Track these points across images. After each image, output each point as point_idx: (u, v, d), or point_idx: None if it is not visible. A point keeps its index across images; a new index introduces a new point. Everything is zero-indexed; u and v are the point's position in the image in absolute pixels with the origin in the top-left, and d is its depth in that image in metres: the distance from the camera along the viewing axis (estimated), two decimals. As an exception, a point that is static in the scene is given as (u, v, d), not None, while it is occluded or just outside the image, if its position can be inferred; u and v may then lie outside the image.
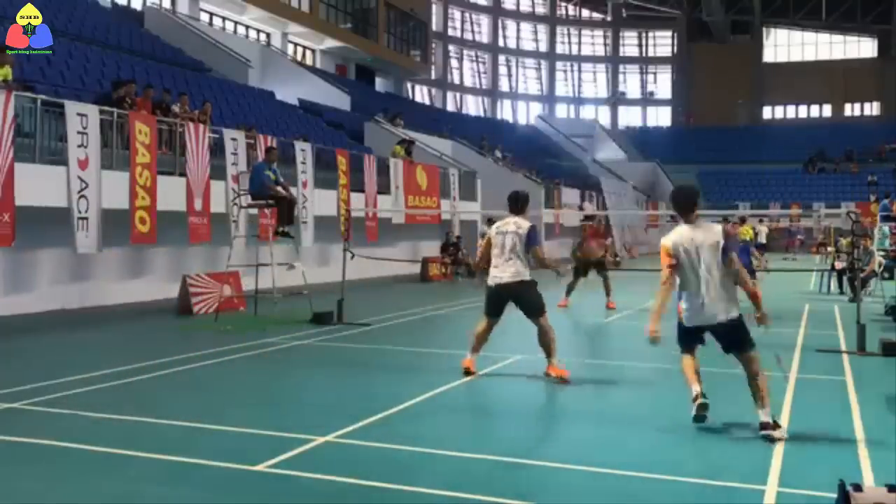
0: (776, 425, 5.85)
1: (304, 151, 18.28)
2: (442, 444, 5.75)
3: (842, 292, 18.27)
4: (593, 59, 64.10)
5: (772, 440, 5.71)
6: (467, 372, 8.04)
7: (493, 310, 8.17)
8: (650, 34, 64.49)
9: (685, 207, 6.15)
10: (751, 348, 6.02)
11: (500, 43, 60.07)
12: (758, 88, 60.16)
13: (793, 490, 4.81)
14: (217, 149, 16.09)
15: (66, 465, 5.23)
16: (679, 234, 6.09)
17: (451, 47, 56.30)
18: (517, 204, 8.47)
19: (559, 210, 32.11)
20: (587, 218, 33.46)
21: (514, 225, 8.00)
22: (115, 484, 4.89)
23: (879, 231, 18.36)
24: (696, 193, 6.39)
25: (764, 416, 5.85)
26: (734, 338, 6.04)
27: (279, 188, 13.00)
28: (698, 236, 6.01)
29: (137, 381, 7.88)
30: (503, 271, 7.92)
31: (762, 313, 6.07)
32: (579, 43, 63.94)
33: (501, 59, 60.25)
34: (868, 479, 5.00)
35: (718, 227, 6.17)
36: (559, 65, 63.13)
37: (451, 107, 54.02)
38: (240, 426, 6.16)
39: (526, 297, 7.99)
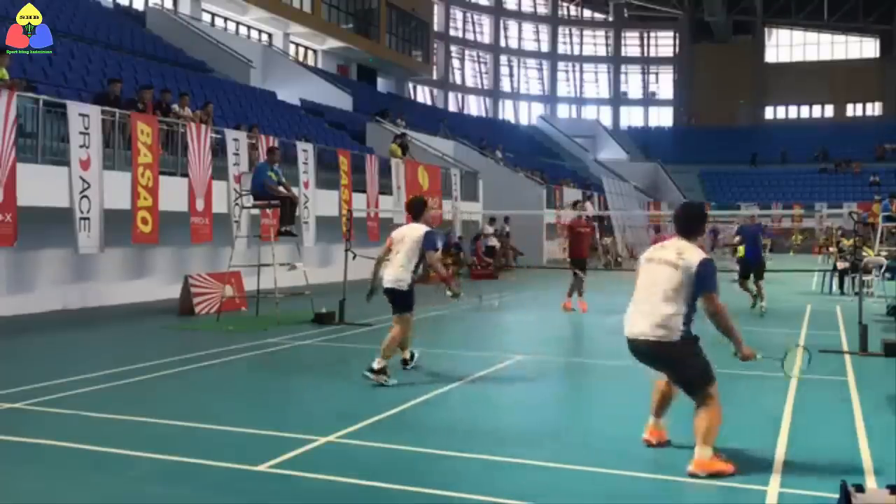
0: (382, 372, 7.68)
1: (305, 152, 18.29)
2: (442, 444, 5.75)
3: (842, 293, 18.25)
4: (595, 60, 64.07)
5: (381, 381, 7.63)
6: None
7: None
8: (652, 34, 64.45)
9: (417, 211, 8.18)
10: (404, 312, 8.05)
11: (502, 43, 60.06)
12: (759, 89, 60.11)
13: (795, 490, 4.80)
14: (219, 149, 16.10)
15: (66, 465, 5.23)
16: (401, 228, 8.36)
17: (452, 47, 56.29)
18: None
19: (560, 210, 32.09)
20: (593, 218, 33.45)
21: None
22: (115, 484, 4.89)
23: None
24: (425, 203, 8.49)
25: (378, 365, 7.69)
26: (397, 301, 8.05)
27: (281, 188, 13.00)
28: (406, 231, 8.14)
29: (138, 381, 7.88)
30: None
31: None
32: (581, 43, 63.93)
33: (503, 59, 60.23)
34: (870, 480, 4.99)
35: (422, 230, 8.01)
36: (561, 65, 63.11)
37: (452, 107, 54.00)
38: (241, 426, 6.16)
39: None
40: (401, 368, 8.34)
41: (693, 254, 5.29)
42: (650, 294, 5.32)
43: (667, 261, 5.32)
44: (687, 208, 5.80)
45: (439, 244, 8.31)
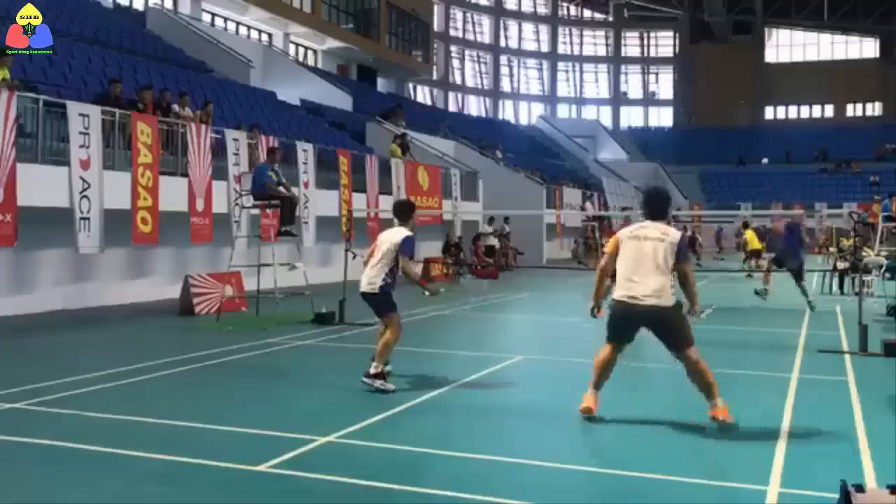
0: (379, 376, 7.35)
1: (305, 152, 18.29)
2: (442, 444, 5.75)
3: (843, 293, 18.25)
4: (595, 60, 64.12)
5: (377, 386, 7.30)
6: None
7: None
8: (652, 34, 64.50)
9: (403, 215, 8.10)
10: (389, 313, 7.69)
11: (502, 43, 60.09)
12: (760, 89, 60.13)
13: (795, 490, 4.80)
14: (219, 149, 16.10)
15: (67, 465, 5.23)
16: (385, 231, 8.12)
17: (452, 48, 56.30)
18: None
19: (560, 210, 32.11)
20: (593, 218, 33.50)
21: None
22: (116, 484, 4.89)
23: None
24: (412, 207, 8.30)
25: (375, 370, 7.39)
26: (373, 304, 7.79)
27: (281, 188, 13.01)
28: (387, 235, 7.96)
29: (139, 381, 7.88)
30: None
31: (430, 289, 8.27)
32: (581, 43, 63.97)
33: (503, 59, 60.26)
34: (870, 479, 4.99)
35: (401, 235, 7.73)
36: (561, 65, 63.14)
37: (452, 107, 54.00)
38: (241, 426, 6.16)
39: None
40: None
41: (673, 231, 6.26)
42: (644, 266, 6.10)
43: (654, 238, 6.17)
44: (656, 195, 6.63)
45: (415, 252, 7.99)
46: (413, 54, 44.06)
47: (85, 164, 12.92)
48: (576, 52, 63.75)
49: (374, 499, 4.70)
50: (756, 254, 24.24)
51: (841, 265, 18.59)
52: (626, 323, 6.25)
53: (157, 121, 14.58)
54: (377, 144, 26.37)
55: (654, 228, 6.23)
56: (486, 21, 59.01)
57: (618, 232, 6.51)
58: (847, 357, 9.61)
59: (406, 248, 7.76)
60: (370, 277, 7.79)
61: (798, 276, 14.72)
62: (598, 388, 6.45)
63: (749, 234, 24.90)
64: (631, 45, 64.67)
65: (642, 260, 6.11)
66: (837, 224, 29.15)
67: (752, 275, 23.18)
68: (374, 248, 8.06)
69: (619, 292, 6.21)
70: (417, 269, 8.08)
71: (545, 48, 62.41)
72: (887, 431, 6.13)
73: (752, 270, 23.53)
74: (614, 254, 6.33)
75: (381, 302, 7.79)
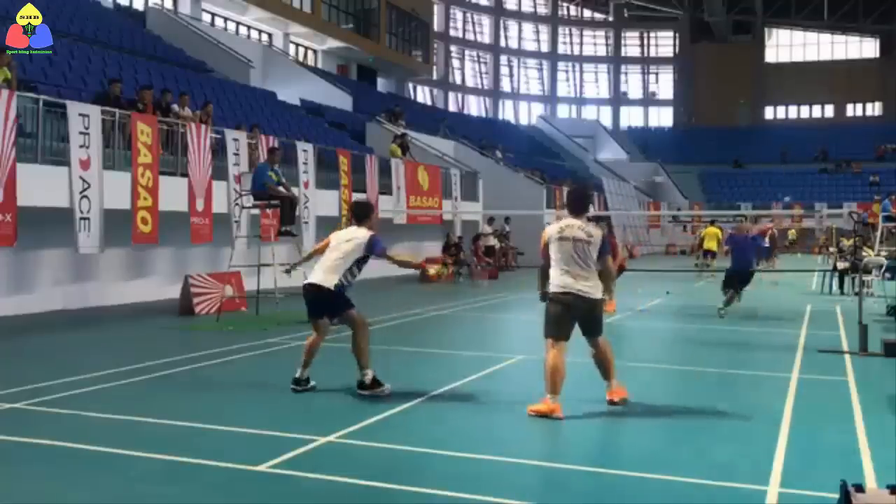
0: (375, 384, 7.25)
1: (305, 152, 18.30)
2: (442, 444, 5.75)
3: (843, 293, 18.25)
4: (595, 60, 64.12)
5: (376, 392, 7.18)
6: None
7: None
8: (652, 34, 64.49)
9: (362, 216, 7.83)
10: (345, 311, 7.41)
11: (502, 43, 60.08)
12: (759, 89, 60.14)
13: (795, 490, 4.80)
14: (219, 149, 16.11)
15: (66, 465, 5.23)
16: (343, 230, 7.86)
17: (452, 47, 56.29)
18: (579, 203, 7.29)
19: (560, 210, 32.10)
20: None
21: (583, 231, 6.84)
22: (115, 484, 4.89)
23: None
24: (371, 208, 8.17)
25: (367, 377, 7.28)
26: (324, 301, 7.41)
27: (281, 188, 13.02)
28: (349, 234, 7.64)
29: (139, 381, 7.88)
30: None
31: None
32: (581, 43, 63.97)
33: (503, 59, 60.25)
34: (870, 479, 4.99)
35: (367, 234, 7.51)
36: (561, 65, 63.14)
37: (452, 107, 53.98)
38: (241, 426, 6.16)
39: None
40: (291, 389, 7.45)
41: (597, 230, 6.91)
42: (576, 262, 6.72)
43: (581, 238, 6.76)
44: (577, 193, 7.35)
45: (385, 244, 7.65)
46: (413, 54, 44.05)
47: (85, 164, 12.92)
48: (576, 52, 63.75)
49: (374, 499, 4.70)
50: (711, 254, 24.01)
51: (841, 265, 18.58)
52: (567, 314, 6.72)
53: (157, 121, 14.58)
54: (377, 144, 26.37)
55: (580, 229, 6.78)
56: (486, 21, 59.00)
57: (546, 230, 6.94)
58: (847, 357, 9.61)
59: (378, 245, 7.48)
60: (327, 272, 7.35)
61: (745, 282, 14.24)
62: (557, 393, 6.53)
63: (710, 231, 24.28)
64: (631, 45, 64.67)
65: (577, 259, 6.71)
66: (837, 224, 29.17)
67: (701, 274, 23.49)
68: (325, 243, 7.68)
69: (561, 288, 6.72)
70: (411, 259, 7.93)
71: (545, 48, 62.41)
72: (887, 431, 6.13)
73: (700, 270, 23.89)
74: (547, 251, 6.89)
75: (336, 301, 7.35)
